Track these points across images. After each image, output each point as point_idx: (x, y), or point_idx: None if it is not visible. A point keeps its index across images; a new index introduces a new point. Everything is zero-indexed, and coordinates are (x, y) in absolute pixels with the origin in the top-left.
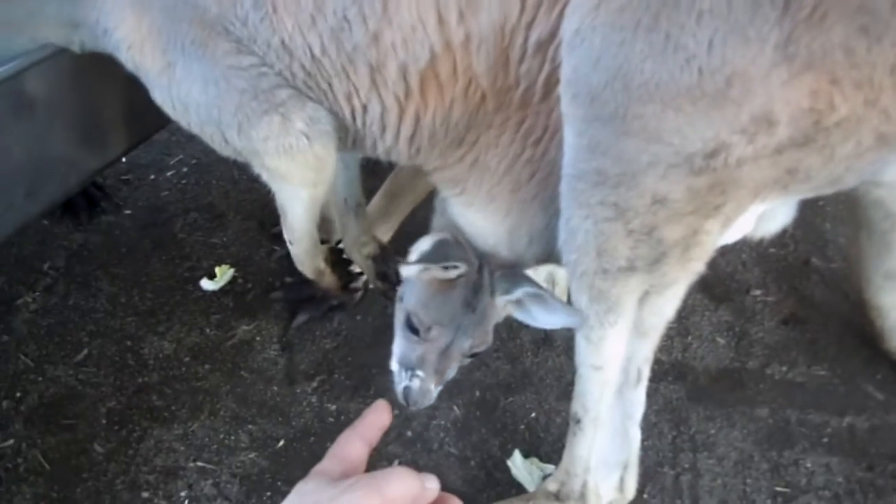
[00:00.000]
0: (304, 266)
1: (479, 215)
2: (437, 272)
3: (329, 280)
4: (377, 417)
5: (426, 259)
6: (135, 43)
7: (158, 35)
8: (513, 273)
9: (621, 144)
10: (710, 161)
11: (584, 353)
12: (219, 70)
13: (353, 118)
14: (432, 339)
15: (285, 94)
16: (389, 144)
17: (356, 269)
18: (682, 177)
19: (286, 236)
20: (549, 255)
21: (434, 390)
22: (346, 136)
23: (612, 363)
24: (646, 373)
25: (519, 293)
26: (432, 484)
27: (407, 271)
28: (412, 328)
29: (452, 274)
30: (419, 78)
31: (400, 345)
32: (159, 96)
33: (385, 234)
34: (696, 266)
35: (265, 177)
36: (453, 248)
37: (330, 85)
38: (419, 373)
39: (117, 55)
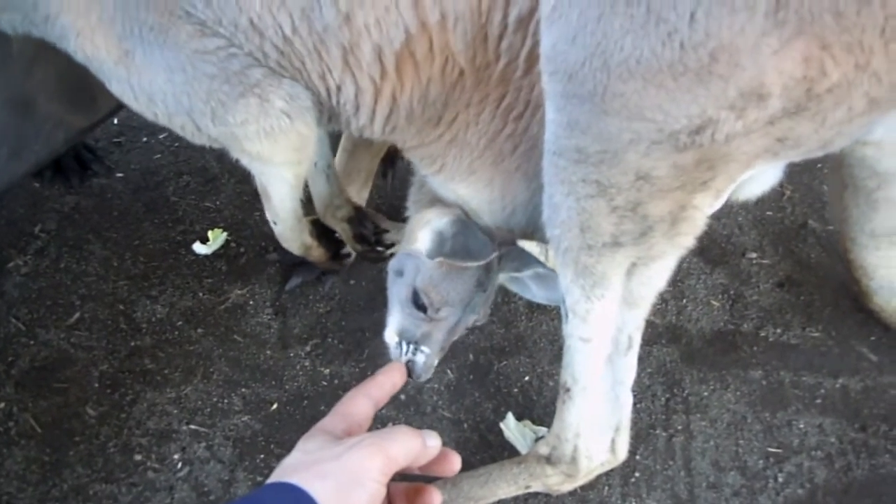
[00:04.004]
0: (290, 244)
1: (461, 185)
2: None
3: (318, 253)
4: (389, 378)
5: (450, 250)
6: (84, 30)
7: (111, 23)
8: (519, 251)
9: (601, 123)
10: (696, 137)
11: (572, 326)
12: (184, 55)
13: (328, 97)
14: (441, 318)
15: (258, 73)
16: (363, 123)
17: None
18: (666, 154)
19: (269, 217)
20: (534, 229)
21: (436, 363)
22: (322, 113)
23: (601, 334)
24: (637, 339)
25: (528, 272)
26: (433, 441)
27: (429, 261)
28: (419, 306)
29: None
30: (394, 58)
31: (400, 319)
32: (118, 88)
33: (358, 192)
34: (685, 240)
35: (244, 161)
36: (475, 234)
37: (303, 64)
38: (424, 349)
39: (63, 45)
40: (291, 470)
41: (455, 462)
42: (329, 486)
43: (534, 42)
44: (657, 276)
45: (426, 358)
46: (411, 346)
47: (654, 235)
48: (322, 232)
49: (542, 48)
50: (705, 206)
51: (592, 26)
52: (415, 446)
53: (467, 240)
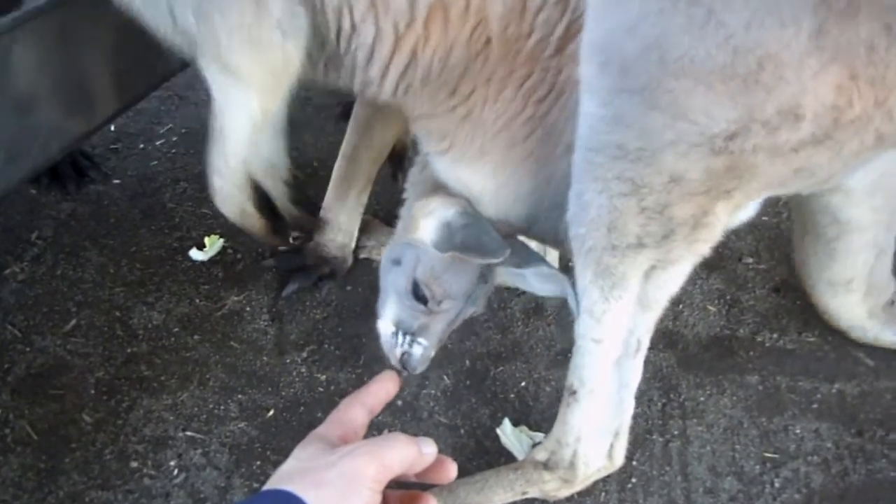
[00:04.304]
0: (227, 205)
1: (468, 170)
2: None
3: (257, 224)
4: (382, 386)
5: (461, 244)
6: None
7: None
8: (521, 245)
9: (647, 118)
10: (730, 143)
11: (586, 327)
12: None
13: (338, 39)
14: (442, 311)
15: None
16: (373, 77)
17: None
18: (702, 157)
19: (214, 164)
20: (531, 224)
21: (433, 354)
22: (320, 56)
23: (613, 337)
24: (646, 343)
25: (531, 270)
26: (429, 448)
27: (432, 251)
28: (419, 297)
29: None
30: (427, 9)
31: (397, 310)
32: None
33: (357, 198)
34: (702, 247)
35: (211, 76)
36: (486, 228)
37: None
38: (422, 341)
39: None
40: (287, 477)
41: (451, 469)
42: (324, 494)
43: (571, 19)
44: (672, 280)
45: (423, 350)
46: (408, 338)
47: (676, 239)
48: (265, 204)
49: (592, 37)
50: (723, 216)
51: (653, 19)
52: (410, 453)
53: (480, 234)
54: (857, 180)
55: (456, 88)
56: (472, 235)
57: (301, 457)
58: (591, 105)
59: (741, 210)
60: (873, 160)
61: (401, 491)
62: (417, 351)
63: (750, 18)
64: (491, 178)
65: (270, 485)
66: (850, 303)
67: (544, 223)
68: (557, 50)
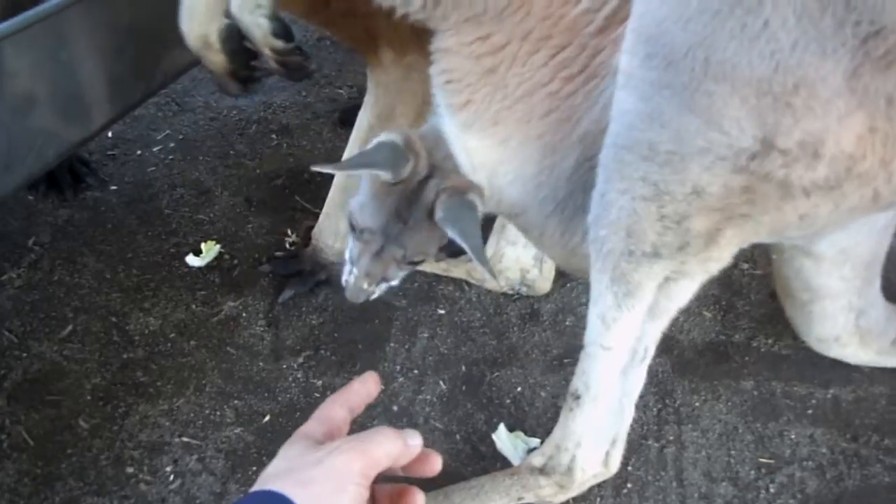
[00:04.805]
0: (191, 27)
1: (476, 136)
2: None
3: (217, 59)
4: (363, 387)
5: (359, 159)
6: None
7: None
8: (459, 205)
9: (683, 120)
10: (751, 163)
11: (596, 333)
12: None
13: None
14: (366, 242)
15: None
16: None
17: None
18: (725, 172)
19: None
20: (519, 211)
21: (370, 289)
22: None
23: (622, 344)
24: (651, 351)
25: (451, 232)
26: (414, 441)
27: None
28: (350, 226)
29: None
30: None
31: (350, 240)
32: None
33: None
34: (713, 266)
35: None
36: (390, 152)
37: None
38: (354, 270)
39: None
40: (273, 477)
41: (436, 461)
42: (311, 492)
43: (621, 1)
44: (683, 293)
45: (354, 279)
46: (350, 266)
47: (690, 253)
48: (238, 47)
49: (640, 25)
50: (735, 242)
51: (707, 18)
52: (396, 447)
53: (380, 154)
54: (826, 248)
55: (489, 35)
56: (370, 152)
57: (287, 455)
58: (630, 100)
59: (745, 244)
60: (848, 226)
61: (389, 485)
62: (351, 280)
63: (798, 38)
64: (496, 150)
65: (258, 485)
66: (849, 353)
67: (533, 215)
68: (601, 30)
